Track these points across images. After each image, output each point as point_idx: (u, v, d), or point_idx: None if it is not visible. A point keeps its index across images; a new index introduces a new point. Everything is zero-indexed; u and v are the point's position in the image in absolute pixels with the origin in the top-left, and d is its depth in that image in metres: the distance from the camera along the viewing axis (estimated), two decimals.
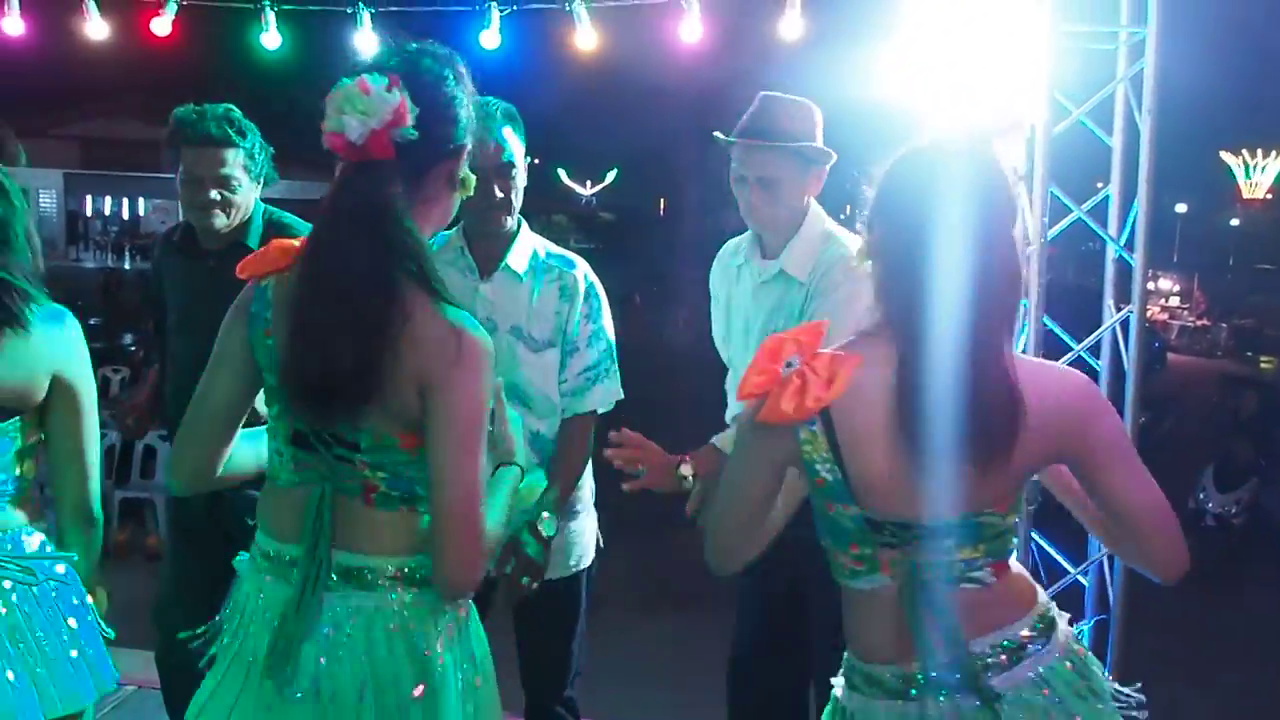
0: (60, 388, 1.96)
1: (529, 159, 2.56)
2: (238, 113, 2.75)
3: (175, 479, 1.79)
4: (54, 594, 1.96)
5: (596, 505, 2.69)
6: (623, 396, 2.62)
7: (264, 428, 1.77)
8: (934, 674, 1.55)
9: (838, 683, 1.72)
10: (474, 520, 1.58)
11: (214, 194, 2.71)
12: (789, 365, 1.53)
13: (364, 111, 1.56)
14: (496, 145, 2.43)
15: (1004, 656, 1.58)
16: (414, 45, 1.68)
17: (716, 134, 2.57)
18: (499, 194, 2.45)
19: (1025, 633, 1.60)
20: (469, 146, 1.70)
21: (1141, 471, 1.60)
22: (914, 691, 1.57)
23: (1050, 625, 1.63)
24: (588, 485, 2.65)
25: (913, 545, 1.56)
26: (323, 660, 1.60)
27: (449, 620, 1.68)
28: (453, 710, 1.64)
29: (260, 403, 1.76)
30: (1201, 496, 7.33)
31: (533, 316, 2.50)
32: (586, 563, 2.65)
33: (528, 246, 2.54)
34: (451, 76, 1.66)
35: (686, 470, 2.36)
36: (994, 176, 1.55)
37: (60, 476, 2.01)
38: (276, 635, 1.62)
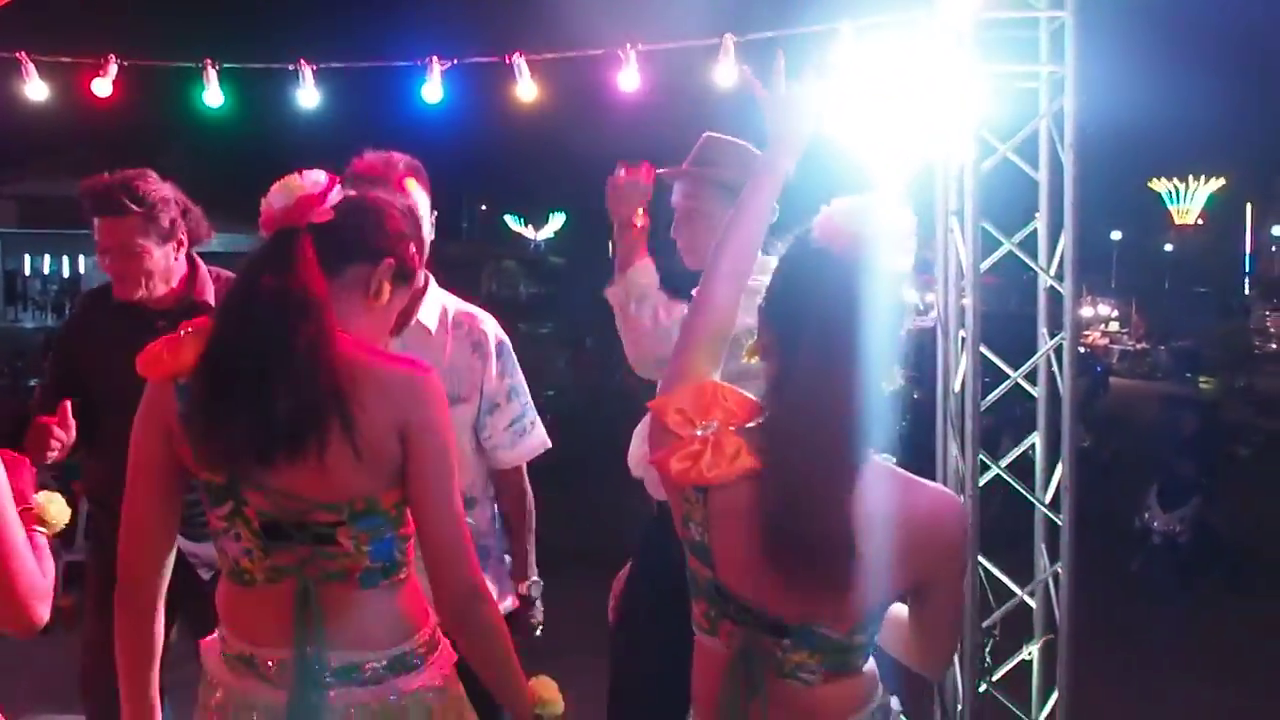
0: None
1: (478, 206, 2.63)
2: (148, 180, 2.74)
3: (123, 589, 1.74)
4: None
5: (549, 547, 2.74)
6: (550, 445, 2.68)
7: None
8: None
9: None
10: (465, 542, 1.66)
11: (122, 264, 2.73)
12: (706, 427, 1.53)
13: (290, 188, 1.67)
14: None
15: None
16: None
17: (659, 171, 2.64)
18: None
19: (876, 711, 1.60)
20: (394, 264, 1.74)
21: (959, 598, 1.69)
22: None
23: None
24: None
25: (751, 628, 1.57)
26: None
27: (447, 706, 1.71)
28: None
29: None
30: (1147, 516, 7.46)
31: (445, 371, 2.52)
32: (509, 605, 2.64)
33: (437, 302, 2.55)
34: (392, 207, 1.77)
35: None
36: (873, 285, 1.51)
37: None
38: None
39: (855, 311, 1.49)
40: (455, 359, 2.51)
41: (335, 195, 1.70)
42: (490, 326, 2.59)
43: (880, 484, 1.53)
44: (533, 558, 2.66)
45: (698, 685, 1.66)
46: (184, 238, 2.81)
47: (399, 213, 1.78)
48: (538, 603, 2.68)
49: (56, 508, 1.80)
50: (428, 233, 2.53)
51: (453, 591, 1.66)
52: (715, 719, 1.59)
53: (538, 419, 2.64)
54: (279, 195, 1.67)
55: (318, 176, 1.70)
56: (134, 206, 2.71)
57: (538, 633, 2.60)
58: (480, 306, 2.66)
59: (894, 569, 1.53)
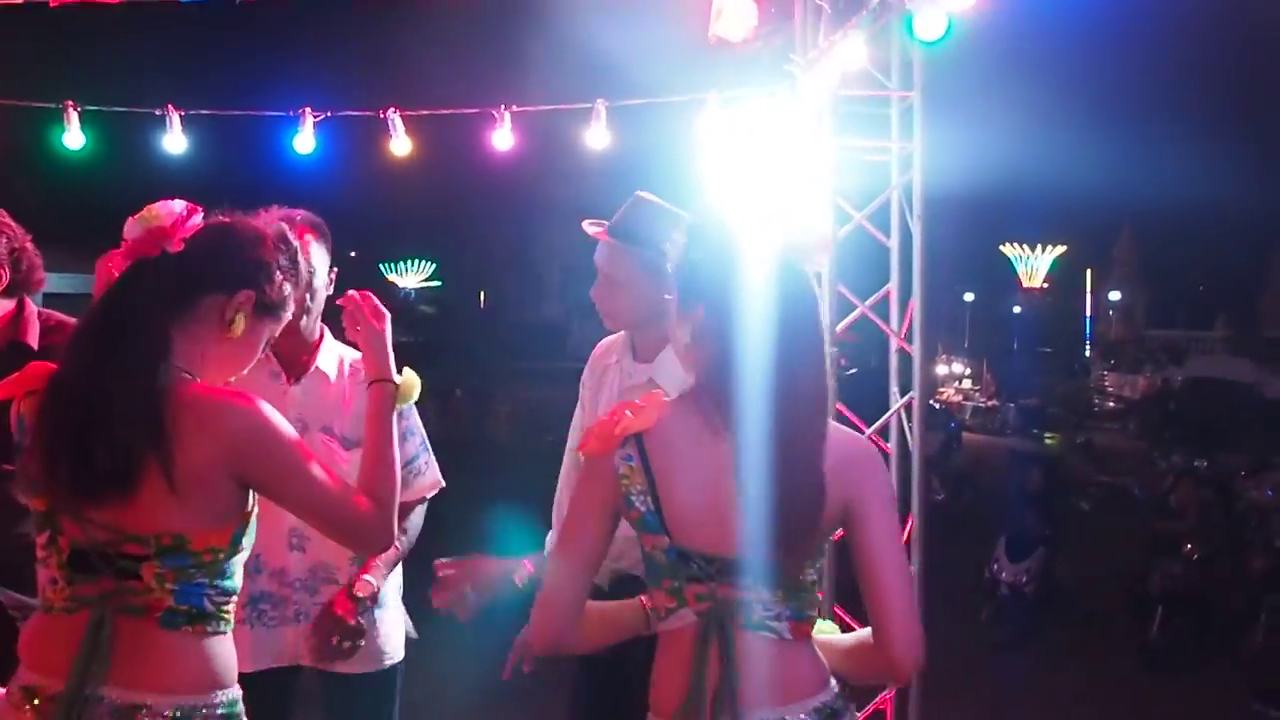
0: None
1: (343, 256, 2.62)
2: None
3: None
4: None
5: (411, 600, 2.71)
6: (444, 484, 2.71)
7: None
8: None
9: None
10: (355, 507, 1.71)
11: None
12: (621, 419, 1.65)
13: (146, 219, 1.68)
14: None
15: None
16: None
17: (584, 222, 2.62)
18: None
19: (833, 702, 1.66)
20: (252, 296, 1.72)
21: (896, 525, 1.74)
22: None
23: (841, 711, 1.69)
24: (395, 578, 2.66)
25: (717, 580, 1.63)
26: None
27: None
28: None
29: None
30: (995, 567, 7.75)
31: (343, 416, 2.55)
32: (399, 657, 2.64)
33: (334, 352, 2.61)
34: (260, 236, 1.76)
35: (520, 576, 2.43)
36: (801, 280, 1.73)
37: None
38: None
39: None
40: (357, 406, 2.54)
41: (193, 224, 1.68)
42: None
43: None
44: (382, 573, 2.55)
45: (666, 688, 1.65)
46: (6, 274, 2.70)
47: (270, 242, 1.75)
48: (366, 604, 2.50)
49: None
50: (326, 288, 2.55)
51: (372, 548, 1.84)
52: (683, 694, 1.61)
53: (433, 459, 2.69)
54: (134, 226, 1.67)
55: (174, 206, 1.69)
56: None
57: (359, 641, 2.42)
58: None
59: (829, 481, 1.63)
